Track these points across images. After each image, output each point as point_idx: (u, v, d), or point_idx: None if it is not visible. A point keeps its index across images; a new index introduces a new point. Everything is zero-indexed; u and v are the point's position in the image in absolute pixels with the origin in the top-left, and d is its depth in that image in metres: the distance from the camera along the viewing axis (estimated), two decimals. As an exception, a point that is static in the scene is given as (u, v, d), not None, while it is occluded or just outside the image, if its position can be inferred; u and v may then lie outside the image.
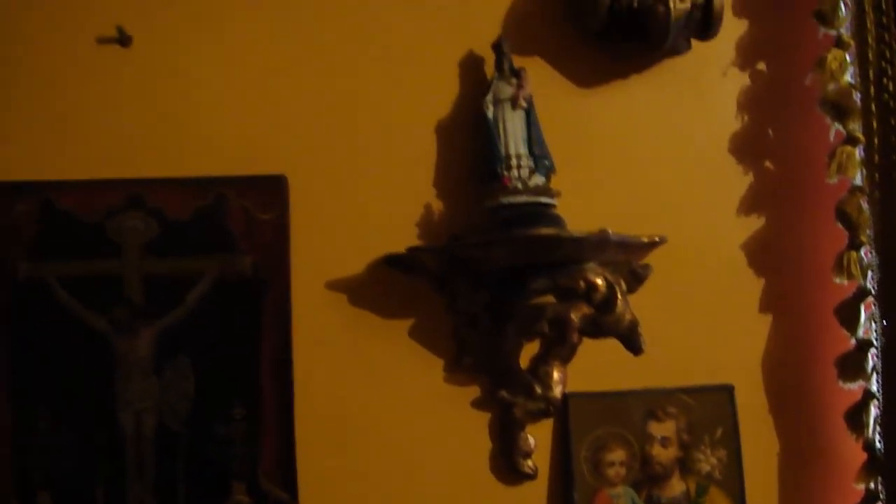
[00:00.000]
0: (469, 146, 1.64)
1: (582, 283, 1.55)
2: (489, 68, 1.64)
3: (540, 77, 1.65)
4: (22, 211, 1.57)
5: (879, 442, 1.61)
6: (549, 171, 1.59)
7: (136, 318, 1.56)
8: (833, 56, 1.63)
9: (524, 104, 1.60)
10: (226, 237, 1.58)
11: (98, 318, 1.56)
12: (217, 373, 1.57)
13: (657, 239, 1.58)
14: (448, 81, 1.66)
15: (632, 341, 1.56)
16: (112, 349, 1.56)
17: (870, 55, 1.63)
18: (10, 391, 1.55)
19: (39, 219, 1.57)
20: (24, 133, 1.59)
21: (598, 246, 1.53)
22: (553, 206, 1.58)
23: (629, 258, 1.60)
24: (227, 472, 1.56)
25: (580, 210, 1.61)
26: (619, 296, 1.56)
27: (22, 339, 1.55)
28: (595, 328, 1.57)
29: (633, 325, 1.56)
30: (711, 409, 1.68)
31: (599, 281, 1.55)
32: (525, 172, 1.57)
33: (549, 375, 1.63)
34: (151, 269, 1.58)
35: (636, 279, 1.60)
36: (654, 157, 1.70)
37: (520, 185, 1.57)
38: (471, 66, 1.67)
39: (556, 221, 1.57)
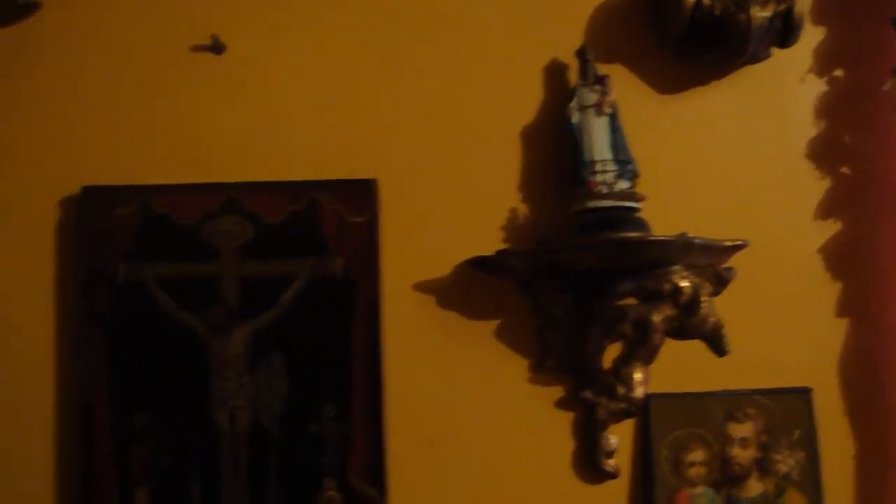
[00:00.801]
0: (552, 152, 1.68)
1: (667, 286, 1.58)
2: (572, 75, 1.68)
3: (621, 83, 1.67)
4: (122, 215, 1.61)
5: (959, 444, 1.63)
6: (633, 176, 1.62)
7: (231, 319, 1.61)
8: (911, 63, 1.66)
9: (609, 110, 1.63)
10: (318, 240, 1.62)
11: (194, 319, 1.61)
12: (309, 372, 1.61)
13: (739, 242, 1.61)
14: (532, 88, 1.70)
15: (716, 343, 1.59)
16: (207, 349, 1.61)
17: (949, 62, 1.65)
18: (109, 390, 1.59)
19: (138, 222, 1.62)
20: (124, 139, 1.64)
21: (684, 249, 1.56)
22: (637, 210, 1.61)
23: (712, 261, 1.62)
24: (319, 468, 1.60)
25: (661, 214, 1.63)
26: (704, 298, 1.59)
27: (120, 340, 1.60)
28: (680, 330, 1.60)
29: (718, 327, 1.59)
30: (790, 411, 1.70)
31: (685, 284, 1.58)
32: (610, 177, 1.60)
33: (631, 376, 1.66)
34: (247, 271, 1.62)
35: (720, 282, 1.62)
36: (733, 162, 1.73)
37: (605, 190, 1.60)
38: (554, 73, 1.70)
39: (641, 226, 1.60)
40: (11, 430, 1.61)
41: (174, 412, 1.60)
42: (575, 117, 1.64)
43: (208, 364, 1.60)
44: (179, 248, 1.62)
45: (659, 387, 1.67)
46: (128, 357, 1.60)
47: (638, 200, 1.61)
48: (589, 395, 1.66)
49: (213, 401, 1.60)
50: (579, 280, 1.63)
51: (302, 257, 1.62)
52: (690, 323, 1.59)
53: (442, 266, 1.66)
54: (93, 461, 1.59)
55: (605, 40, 1.71)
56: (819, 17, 1.76)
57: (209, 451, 1.60)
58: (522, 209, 1.68)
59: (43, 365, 1.62)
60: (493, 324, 1.67)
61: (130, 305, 1.60)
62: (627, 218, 1.60)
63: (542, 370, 1.67)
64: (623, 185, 1.61)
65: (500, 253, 1.61)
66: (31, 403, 1.61)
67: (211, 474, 1.60)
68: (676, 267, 1.58)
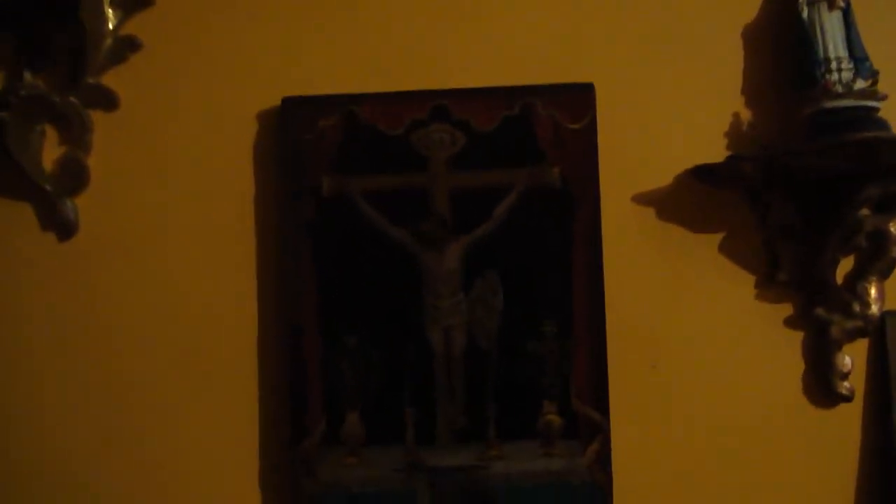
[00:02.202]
0: (778, 51, 1.56)
1: (918, 190, 1.46)
2: (796, -32, 1.55)
3: (849, -24, 1.54)
4: (326, 125, 1.53)
5: None
6: (872, 74, 1.49)
7: (444, 233, 1.52)
8: None
9: (842, 4, 1.51)
10: (533, 148, 1.52)
11: (404, 233, 1.52)
12: (527, 288, 1.52)
13: None
14: (754, -17, 1.58)
15: (970, 251, 1.47)
16: (419, 265, 1.52)
17: None
18: (318, 308, 1.52)
19: (342, 133, 1.53)
20: (324, 46, 1.57)
21: (934, 150, 1.44)
22: (878, 109, 1.49)
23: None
24: (538, 390, 1.51)
25: (897, 115, 1.50)
26: (957, 203, 1.46)
27: (327, 255, 1.52)
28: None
29: (973, 233, 1.46)
30: None
31: (936, 187, 1.46)
32: (847, 76, 1.49)
33: (867, 292, 1.55)
34: (458, 182, 1.53)
35: (970, 186, 1.50)
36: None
37: (842, 89, 1.48)
38: (777, -33, 1.58)
39: (883, 126, 1.48)
40: (215, 352, 1.55)
41: (385, 331, 1.52)
42: (805, 12, 1.52)
43: (420, 281, 1.52)
44: (386, 160, 1.53)
45: (895, 303, 1.55)
46: (336, 274, 1.52)
47: (880, 99, 1.49)
48: (822, 313, 1.55)
49: (426, 319, 1.52)
50: (813, 188, 1.51)
51: (516, 167, 1.53)
52: (941, 230, 1.47)
53: (662, 175, 1.56)
54: (302, 382, 1.51)
55: (830, -70, 1.57)
56: None
57: (422, 372, 1.52)
58: (746, 114, 1.57)
59: (245, 282, 1.56)
60: (718, 237, 1.56)
61: (336, 220, 1.53)
62: (868, 118, 1.48)
63: (770, 285, 1.55)
64: (861, 83, 1.49)
65: (730, 158, 1.50)
66: (235, 322, 1.55)
67: (425, 396, 1.52)
68: (923, 171, 1.46)
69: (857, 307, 1.54)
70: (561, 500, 1.50)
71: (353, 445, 1.51)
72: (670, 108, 1.56)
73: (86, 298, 1.56)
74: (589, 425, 1.51)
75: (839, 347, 1.55)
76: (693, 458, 1.54)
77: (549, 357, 1.51)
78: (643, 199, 1.56)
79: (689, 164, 1.53)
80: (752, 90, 1.57)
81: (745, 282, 1.56)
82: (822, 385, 1.55)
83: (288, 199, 1.53)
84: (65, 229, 1.58)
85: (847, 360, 1.55)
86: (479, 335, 1.52)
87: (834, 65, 1.49)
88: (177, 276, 1.56)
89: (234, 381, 1.54)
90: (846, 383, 1.55)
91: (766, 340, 1.55)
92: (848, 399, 1.55)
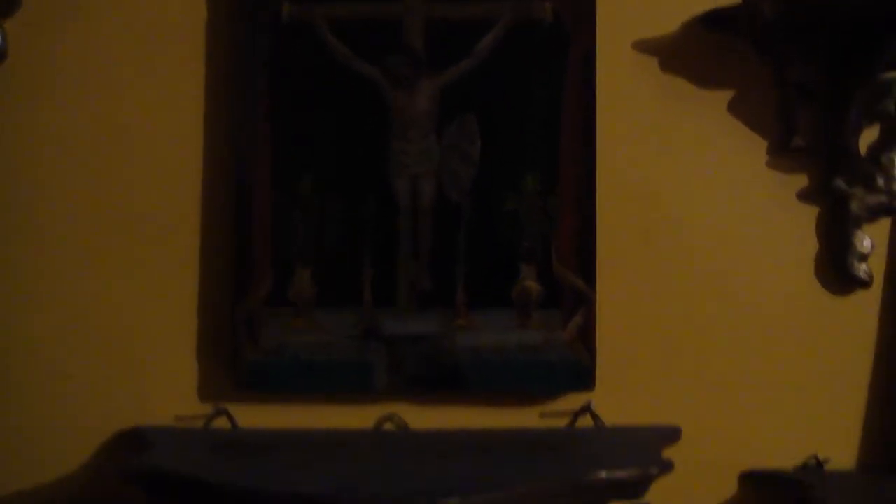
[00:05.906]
0: None
1: (957, 40, 1.28)
2: None
3: None
4: (306, -57, 1.35)
5: None
6: None
7: (417, 69, 1.34)
8: None
9: None
10: (523, -23, 1.35)
11: (372, 68, 1.34)
12: (508, 136, 1.34)
13: None
14: None
15: None
16: (387, 104, 1.34)
17: None
18: (271, 151, 1.34)
19: (309, -47, 1.35)
20: None
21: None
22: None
23: None
24: (515, 252, 1.33)
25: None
26: None
27: (284, 91, 1.34)
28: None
29: None
30: None
31: (978, 37, 1.28)
32: None
33: (893, 164, 1.37)
34: (435, 13, 1.35)
35: None
36: None
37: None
38: None
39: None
40: (153, 202, 1.38)
41: (344, 178, 1.34)
42: None
43: (387, 122, 1.34)
44: (356, -16, 1.35)
45: (924, 180, 1.37)
46: (292, 112, 1.34)
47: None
48: (841, 185, 1.37)
49: (392, 166, 1.34)
50: (836, 42, 1.33)
51: (502, -1, 1.35)
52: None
53: (667, 20, 1.39)
54: (248, 230, 1.33)
55: None
56: None
57: (384, 226, 1.34)
58: (764, -42, 1.38)
59: (192, 121, 1.37)
60: (727, 94, 1.38)
61: (296, 53, 1.35)
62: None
63: (785, 152, 1.37)
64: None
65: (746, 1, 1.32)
66: (178, 167, 1.38)
67: (386, 254, 1.33)
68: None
69: (880, 181, 1.37)
70: (536, 379, 1.32)
71: (303, 307, 1.33)
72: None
73: (13, 137, 1.38)
74: (572, 295, 1.33)
75: (858, 225, 1.37)
76: (687, 339, 1.36)
77: (529, 215, 1.33)
78: (645, 47, 1.38)
79: (699, 10, 1.36)
80: (774, -70, 1.39)
81: (755, 146, 1.38)
82: (837, 267, 1.38)
83: (242, 29, 1.34)
84: (-9, 56, 1.40)
85: (867, 240, 1.38)
86: (450, 187, 1.34)
87: None
88: (115, 112, 1.39)
89: (174, 234, 1.36)
90: (864, 266, 1.37)
91: (777, 214, 1.38)
92: (866, 284, 1.38)
